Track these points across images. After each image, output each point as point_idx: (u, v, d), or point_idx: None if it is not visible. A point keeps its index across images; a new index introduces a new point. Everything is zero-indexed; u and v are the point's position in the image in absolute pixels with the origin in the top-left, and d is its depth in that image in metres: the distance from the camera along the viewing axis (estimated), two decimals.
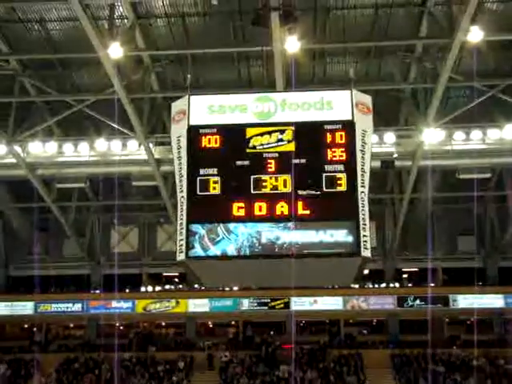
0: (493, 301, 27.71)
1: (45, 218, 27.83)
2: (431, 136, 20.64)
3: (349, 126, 9.47)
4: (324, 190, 9.15)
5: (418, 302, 27.78)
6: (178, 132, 9.82)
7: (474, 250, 29.19)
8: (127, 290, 29.26)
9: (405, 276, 30.45)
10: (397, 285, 29.46)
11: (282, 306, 27.95)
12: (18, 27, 19.05)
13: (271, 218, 9.07)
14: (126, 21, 18.29)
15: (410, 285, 29.97)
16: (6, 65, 20.34)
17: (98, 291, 29.76)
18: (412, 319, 28.72)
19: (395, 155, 21.51)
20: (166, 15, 18.44)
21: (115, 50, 16.23)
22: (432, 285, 28.43)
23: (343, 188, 9.18)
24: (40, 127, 21.74)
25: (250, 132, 9.53)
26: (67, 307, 28.77)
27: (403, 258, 29.51)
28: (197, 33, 18.41)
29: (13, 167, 22.44)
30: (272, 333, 29.31)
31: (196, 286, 27.83)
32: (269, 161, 9.35)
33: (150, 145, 21.49)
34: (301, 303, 27.76)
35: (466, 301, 27.56)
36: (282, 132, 9.48)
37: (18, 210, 28.11)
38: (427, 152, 21.12)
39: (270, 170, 9.31)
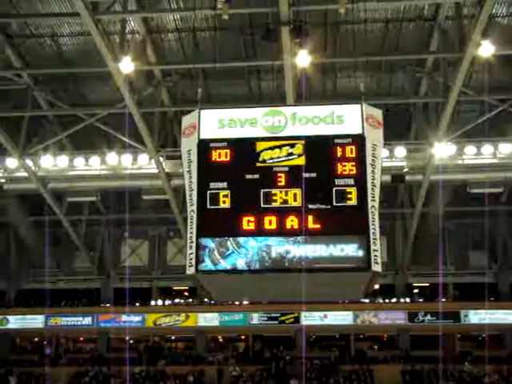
0: (505, 316, 27.37)
1: (56, 231, 27.88)
2: (442, 150, 20.54)
3: (359, 140, 9.41)
4: (334, 204, 9.09)
5: (428, 317, 27.54)
6: (189, 146, 9.81)
7: (486, 265, 28.93)
8: (137, 304, 29.21)
9: (416, 291, 30.23)
10: (408, 300, 29.22)
11: (292, 320, 27.80)
12: (31, 42, 19.27)
13: (281, 232, 9.02)
14: (137, 35, 18.45)
15: (420, 300, 29.71)
16: (19, 79, 20.51)
17: (108, 305, 29.73)
18: (423, 334, 28.46)
19: (406, 169, 21.44)
20: (177, 30, 18.58)
21: (126, 65, 16.31)
22: (443, 300, 28.19)
23: (353, 202, 9.11)
24: (51, 141, 21.86)
25: (260, 146, 9.51)
26: (77, 321, 28.76)
27: (414, 272, 29.31)
28: (207, 47, 18.49)
29: (24, 181, 22.55)
30: (282, 347, 29.13)
31: (206, 299, 27.75)
32: (279, 175, 9.30)
33: (161, 159, 21.54)
34: (311, 318, 27.60)
35: (477, 316, 27.27)
36: (292, 146, 9.45)
37: (30, 223, 28.19)
38: (438, 166, 21.02)
39: (279, 183, 9.27)
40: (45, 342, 30.58)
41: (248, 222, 9.11)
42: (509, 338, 28.22)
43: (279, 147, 9.48)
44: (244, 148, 9.54)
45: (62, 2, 17.06)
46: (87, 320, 28.70)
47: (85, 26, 16.59)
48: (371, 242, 8.89)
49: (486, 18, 15.03)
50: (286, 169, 9.34)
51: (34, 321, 28.81)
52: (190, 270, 9.13)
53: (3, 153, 21.76)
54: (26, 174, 22.19)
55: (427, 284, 29.72)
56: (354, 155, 9.34)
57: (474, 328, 27.96)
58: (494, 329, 26.86)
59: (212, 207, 9.28)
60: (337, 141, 9.45)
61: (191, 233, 9.26)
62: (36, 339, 31.26)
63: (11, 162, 21.96)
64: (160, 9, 17.44)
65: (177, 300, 30.46)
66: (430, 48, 18.84)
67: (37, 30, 18.82)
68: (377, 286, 25.63)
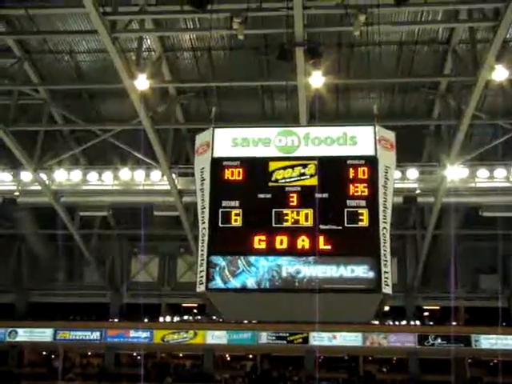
0: None
1: (67, 245, 28.02)
2: (454, 173, 20.52)
3: (372, 162, 9.46)
4: (346, 225, 9.12)
5: (439, 340, 27.25)
6: (202, 164, 9.89)
7: (498, 289, 28.65)
8: (146, 320, 29.19)
9: (426, 314, 29.98)
10: (418, 322, 29.00)
11: (300, 340, 27.64)
12: (49, 58, 19.56)
13: (292, 252, 9.04)
14: (153, 53, 18.69)
15: (431, 323, 29.47)
16: (36, 94, 20.79)
17: (116, 320, 29.74)
18: (433, 358, 28.18)
19: (418, 191, 21.40)
20: (193, 49, 18.80)
21: (142, 82, 16.51)
22: (454, 324, 27.93)
23: (365, 223, 9.13)
24: (65, 155, 22.08)
25: (272, 165, 9.58)
26: (86, 335, 28.72)
27: (425, 295, 29.10)
28: (222, 66, 18.68)
29: (38, 194, 22.73)
30: (290, 368, 28.93)
31: (214, 317, 27.68)
32: (291, 194, 9.36)
33: (173, 175, 21.67)
34: (320, 338, 27.41)
35: (488, 341, 26.95)
36: (305, 166, 9.51)
37: (42, 236, 28.36)
38: (450, 189, 20.98)
39: (291, 203, 9.31)
40: (53, 356, 30.61)
41: (259, 241, 9.15)
42: None
43: (292, 167, 9.55)
44: (257, 167, 9.61)
45: (81, 20, 17.35)
46: (95, 335, 28.67)
47: (102, 44, 16.83)
48: (382, 263, 8.89)
49: (500, 43, 15.09)
50: (298, 189, 9.40)
51: (43, 334, 28.82)
52: (200, 288, 9.17)
53: (18, 166, 21.99)
54: (39, 188, 22.37)
55: (438, 307, 29.48)
56: (366, 177, 9.38)
57: (484, 353, 27.63)
58: (506, 355, 26.52)
59: (224, 225, 9.33)
60: (349, 162, 9.50)
61: (202, 250, 9.31)
62: (44, 353, 31.29)
63: (25, 176, 22.17)
64: (176, 28, 17.66)
65: (185, 317, 30.41)
66: (443, 71, 18.90)
67: (55, 47, 19.12)
68: (387, 308, 25.54)
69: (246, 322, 27.57)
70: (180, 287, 29.75)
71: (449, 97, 19.84)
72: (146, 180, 22.13)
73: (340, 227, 9.13)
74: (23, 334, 28.93)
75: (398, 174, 19.95)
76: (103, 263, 29.80)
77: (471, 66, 16.77)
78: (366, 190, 9.30)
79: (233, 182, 9.57)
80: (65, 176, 22.28)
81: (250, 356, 30.18)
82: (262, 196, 9.41)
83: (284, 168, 9.54)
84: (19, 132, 20.77)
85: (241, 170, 9.62)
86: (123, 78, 16.88)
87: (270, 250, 9.09)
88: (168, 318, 30.04)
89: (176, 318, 30.15)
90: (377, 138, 9.60)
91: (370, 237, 9.05)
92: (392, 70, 18.99)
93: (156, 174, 21.94)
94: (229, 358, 30.94)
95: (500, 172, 21.06)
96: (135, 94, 17.48)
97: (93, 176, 22.38)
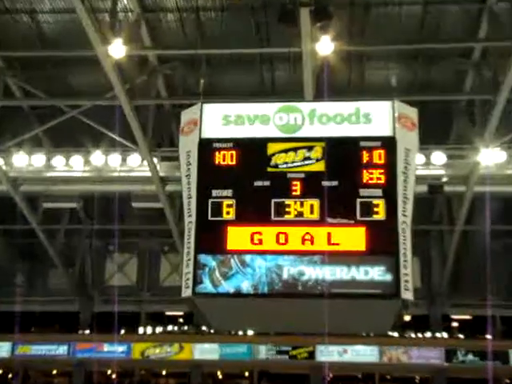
0: None
1: (29, 243, 28.08)
2: (489, 157, 20.58)
3: (389, 144, 9.51)
4: (358, 218, 9.18)
5: (470, 356, 27.40)
6: (188, 146, 9.94)
7: None
8: (122, 332, 29.32)
9: (455, 325, 30.16)
10: (445, 335, 29.17)
11: (305, 355, 27.79)
12: (5, 19, 19.52)
13: (295, 250, 9.11)
14: (130, 14, 18.67)
15: (460, 335, 29.65)
16: None
17: (87, 332, 29.86)
18: (463, 378, 28.36)
19: (445, 179, 21.47)
20: (178, 9, 18.79)
21: (117, 48, 16.52)
22: (488, 337, 28.09)
23: (381, 216, 9.19)
24: (26, 136, 22.07)
25: (271, 148, 9.63)
26: (50, 350, 28.82)
27: (453, 302, 29.24)
28: (213, 30, 18.71)
29: None
30: None
31: (204, 328, 27.83)
32: (293, 182, 9.41)
33: (155, 160, 21.71)
34: (328, 353, 27.54)
35: None
36: (310, 149, 9.56)
37: None
38: (484, 176, 21.04)
39: (294, 193, 9.38)
40: (10, 375, 30.73)
41: (256, 238, 9.21)
42: None
43: (294, 150, 9.60)
44: (253, 150, 9.66)
45: None
46: (62, 349, 28.76)
47: (69, 2, 16.81)
48: (401, 264, 8.97)
49: None
50: (302, 175, 9.45)
51: None
52: (186, 292, 9.24)
53: None
54: None
55: (469, 317, 29.64)
56: (382, 161, 9.43)
57: None
58: None
59: (214, 219, 9.39)
60: (363, 144, 9.55)
61: (188, 248, 9.37)
62: (1, 371, 31.40)
63: None
64: None
65: (169, 328, 30.55)
66: (477, 36, 18.91)
67: (12, 5, 19.07)
68: (407, 318, 25.67)
69: (240, 333, 27.72)
70: (163, 292, 29.83)
71: (483, 66, 19.87)
72: (123, 165, 22.15)
73: (352, 221, 9.19)
74: None
75: (421, 159, 20.02)
76: (71, 264, 29.86)
77: (511, 28, 16.79)
78: (382, 177, 9.37)
79: (225, 167, 9.64)
80: (25, 161, 22.28)
81: (246, 374, 30.37)
82: (259, 184, 9.47)
83: (285, 151, 9.60)
84: None
85: (234, 152, 9.68)
86: (95, 43, 16.88)
87: (269, 248, 9.15)
88: (149, 329, 30.16)
89: (158, 329, 30.27)
90: (395, 115, 9.66)
91: (388, 232, 9.12)
92: (415, 35, 18.99)
93: (134, 159, 21.97)
94: (221, 377, 31.12)
95: None
96: (109, 62, 17.48)
97: (59, 161, 22.38)
